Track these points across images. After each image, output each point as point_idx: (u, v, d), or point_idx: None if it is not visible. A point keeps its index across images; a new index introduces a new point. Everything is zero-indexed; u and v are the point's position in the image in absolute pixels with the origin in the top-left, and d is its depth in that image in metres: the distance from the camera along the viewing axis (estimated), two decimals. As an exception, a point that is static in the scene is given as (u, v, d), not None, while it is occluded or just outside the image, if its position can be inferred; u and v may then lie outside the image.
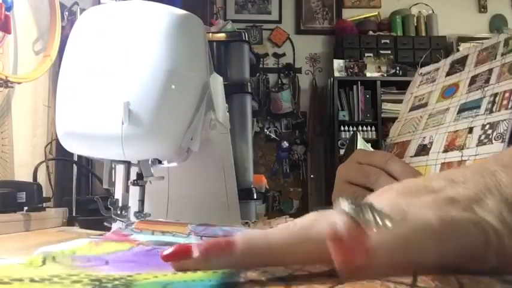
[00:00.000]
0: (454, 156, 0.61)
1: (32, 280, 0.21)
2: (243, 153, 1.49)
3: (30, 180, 1.10)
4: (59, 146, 0.63)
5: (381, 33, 3.92)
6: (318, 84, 4.06)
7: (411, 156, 0.71)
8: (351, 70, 3.72)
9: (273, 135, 4.01)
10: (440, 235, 0.24)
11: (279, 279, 0.22)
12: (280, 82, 4.04)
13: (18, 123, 1.24)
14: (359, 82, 3.68)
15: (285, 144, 4.00)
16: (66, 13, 1.39)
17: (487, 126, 0.58)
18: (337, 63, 3.74)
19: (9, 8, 1.10)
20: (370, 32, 3.91)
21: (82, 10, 1.29)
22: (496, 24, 4.01)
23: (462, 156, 0.58)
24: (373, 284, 0.20)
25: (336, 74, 3.71)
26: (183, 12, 0.63)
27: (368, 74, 3.74)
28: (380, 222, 0.24)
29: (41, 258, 0.25)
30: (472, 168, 0.31)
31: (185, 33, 0.61)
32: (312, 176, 4.03)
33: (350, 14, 4.10)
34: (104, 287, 0.20)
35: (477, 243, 0.25)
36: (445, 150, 0.63)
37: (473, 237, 0.25)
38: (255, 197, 1.48)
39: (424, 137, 0.71)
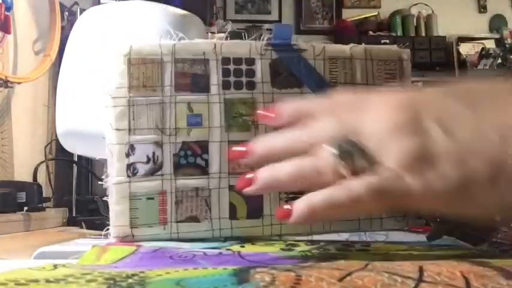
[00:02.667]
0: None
1: (48, 281, 0.21)
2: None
3: (30, 180, 1.10)
4: (59, 146, 0.63)
5: (380, 33, 3.92)
6: (317, 84, 4.05)
7: None
8: (350, 70, 3.72)
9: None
10: None
11: (288, 270, 0.23)
12: (280, 82, 4.03)
13: (18, 123, 1.24)
14: (359, 82, 3.68)
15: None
16: (66, 13, 1.39)
17: None
18: (337, 63, 3.74)
19: (9, 8, 1.10)
20: (370, 32, 3.91)
21: (82, 10, 1.29)
22: (496, 24, 4.00)
23: None
24: (380, 277, 0.21)
25: (336, 74, 3.71)
26: (183, 12, 0.63)
27: (368, 74, 3.73)
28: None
29: (52, 264, 0.26)
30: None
31: (185, 33, 0.61)
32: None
33: (350, 14, 4.10)
34: (119, 285, 0.20)
35: None
36: None
37: None
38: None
39: None
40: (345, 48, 0.44)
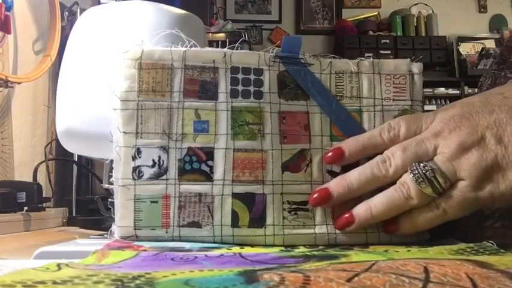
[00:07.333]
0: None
1: (55, 282, 0.21)
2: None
3: (30, 180, 1.10)
4: (59, 146, 0.63)
5: (380, 33, 3.92)
6: (317, 84, 4.05)
7: None
8: (350, 70, 3.72)
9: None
10: None
11: (295, 272, 0.23)
12: (280, 82, 4.03)
13: (18, 123, 1.24)
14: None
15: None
16: (66, 13, 1.39)
17: None
18: (337, 63, 3.74)
19: (9, 8, 1.10)
20: (370, 32, 3.91)
21: (82, 10, 1.29)
22: (496, 24, 4.01)
23: None
24: (388, 278, 0.21)
25: (336, 74, 3.71)
26: (182, 12, 0.63)
27: (368, 74, 3.73)
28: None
29: (55, 263, 0.25)
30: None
31: (185, 33, 0.61)
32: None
33: (350, 14, 4.10)
34: (127, 286, 0.20)
35: None
36: None
37: None
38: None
39: None
40: (352, 63, 0.44)
